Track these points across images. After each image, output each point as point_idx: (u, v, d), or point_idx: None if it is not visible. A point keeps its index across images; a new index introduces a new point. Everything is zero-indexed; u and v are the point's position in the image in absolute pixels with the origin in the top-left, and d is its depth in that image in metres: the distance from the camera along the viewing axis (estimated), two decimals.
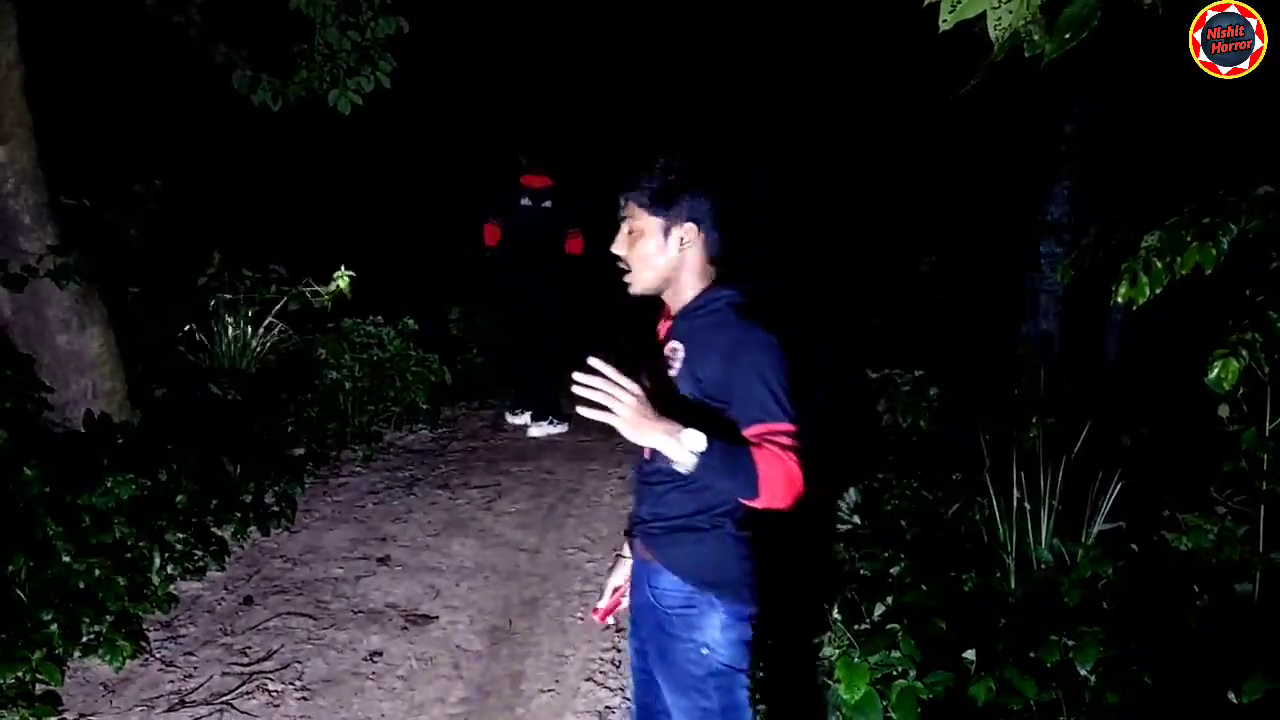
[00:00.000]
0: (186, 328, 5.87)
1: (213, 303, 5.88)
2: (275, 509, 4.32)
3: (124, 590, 3.41)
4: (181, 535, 3.83)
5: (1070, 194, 6.77)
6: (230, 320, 5.94)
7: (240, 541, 4.09)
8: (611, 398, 1.51)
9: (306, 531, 4.26)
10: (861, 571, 3.64)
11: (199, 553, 3.82)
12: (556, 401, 5.71)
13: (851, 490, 4.03)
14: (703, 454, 1.54)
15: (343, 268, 6.00)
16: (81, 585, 3.35)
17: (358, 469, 5.03)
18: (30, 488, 3.68)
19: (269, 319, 6.11)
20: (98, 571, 3.39)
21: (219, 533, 4.07)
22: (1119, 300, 2.79)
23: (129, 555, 3.61)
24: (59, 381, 4.50)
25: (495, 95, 9.34)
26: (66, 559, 3.41)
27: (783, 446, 1.60)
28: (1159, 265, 2.75)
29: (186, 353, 5.84)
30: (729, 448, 1.58)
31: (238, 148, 7.09)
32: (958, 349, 7.27)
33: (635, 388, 1.53)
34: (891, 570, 3.59)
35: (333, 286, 6.01)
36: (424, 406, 5.76)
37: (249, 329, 6.03)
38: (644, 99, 9.38)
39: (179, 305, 5.87)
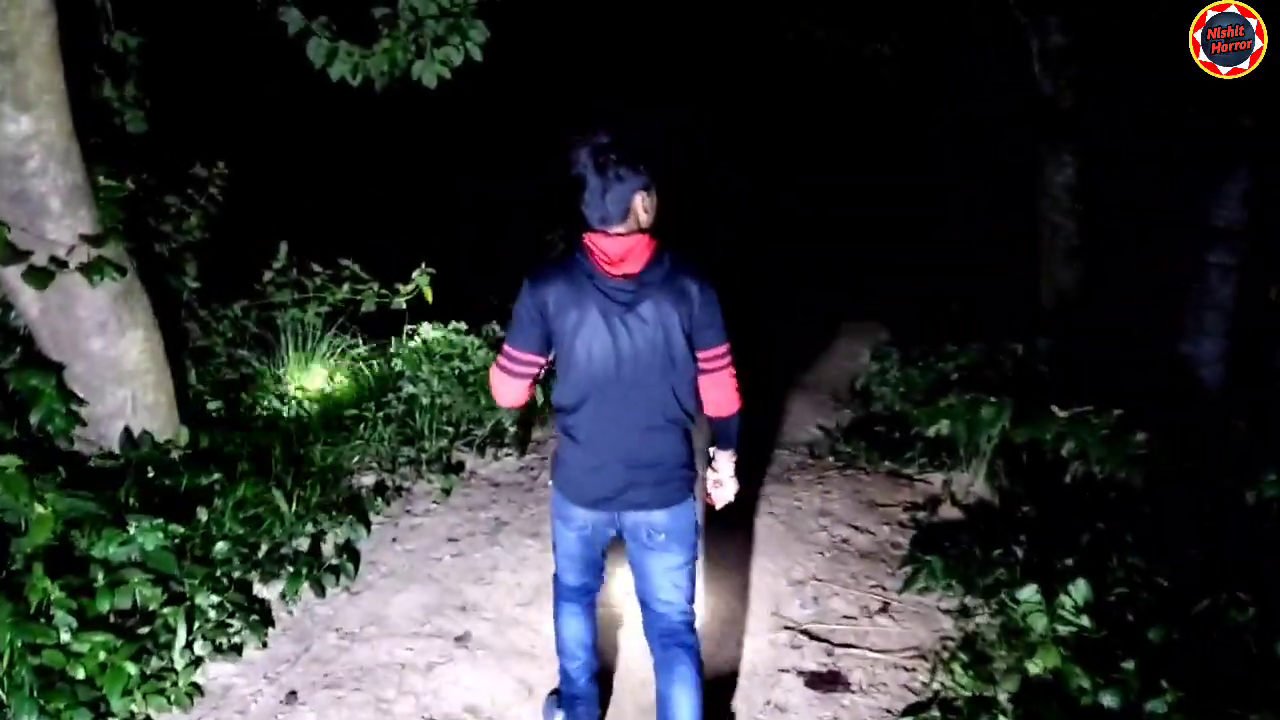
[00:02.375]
0: (249, 331, 5.18)
1: (278, 302, 5.18)
2: (334, 562, 3.55)
3: (136, 682, 2.65)
4: (217, 599, 3.07)
5: (1245, 195, 5.79)
6: (298, 322, 5.23)
7: (289, 605, 3.31)
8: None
9: (370, 593, 3.46)
10: (1105, 704, 2.65)
11: (236, 623, 3.05)
12: None
13: (1081, 583, 3.02)
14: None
15: (423, 265, 5.22)
16: (81, 674, 2.61)
17: (434, 505, 4.23)
18: (36, 532, 2.96)
19: (341, 320, 5.40)
20: (103, 655, 2.64)
21: (264, 592, 3.31)
22: None
23: (147, 628, 2.86)
24: (94, 393, 3.81)
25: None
26: (66, 636, 2.67)
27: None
28: None
29: (248, 359, 5.15)
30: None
31: (308, 130, 6.40)
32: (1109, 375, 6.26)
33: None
34: (1150, 707, 2.59)
35: (412, 286, 5.23)
36: (511, 428, 4.94)
37: (318, 332, 5.32)
38: None
39: (241, 305, 5.17)
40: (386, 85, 4.83)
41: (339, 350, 5.49)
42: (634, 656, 3.04)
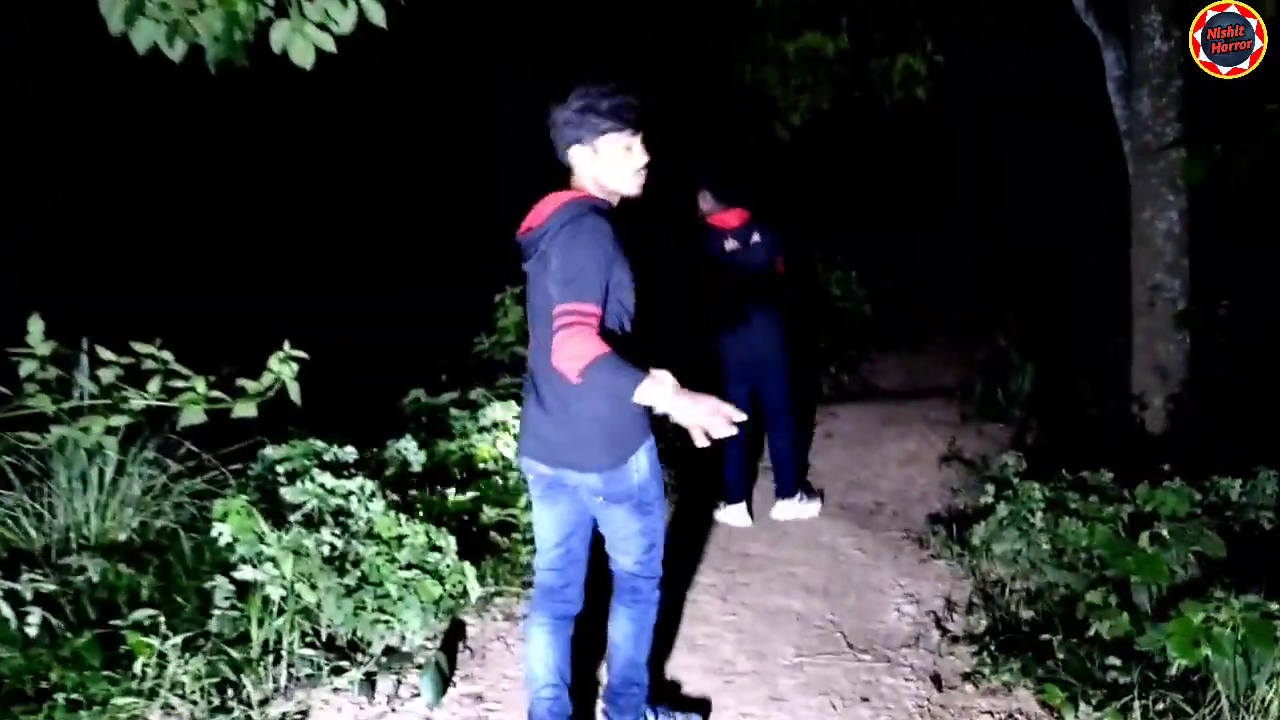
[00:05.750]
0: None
1: (34, 413, 3.08)
2: None
3: None
4: None
5: None
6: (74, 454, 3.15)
7: None
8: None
9: None
10: None
11: None
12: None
13: None
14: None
15: (286, 346, 3.18)
16: None
17: None
18: None
19: (146, 446, 3.34)
20: None
21: None
22: None
23: None
24: None
25: None
26: None
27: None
28: None
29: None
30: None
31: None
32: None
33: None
34: None
35: (265, 380, 3.18)
36: (424, 644, 2.89)
37: (107, 467, 3.25)
38: None
39: None
40: (227, 62, 3.03)
41: (153, 490, 3.42)
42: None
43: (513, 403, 4.49)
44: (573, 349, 1.95)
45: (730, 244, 4.16)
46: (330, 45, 2.99)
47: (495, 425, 4.37)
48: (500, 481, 4.12)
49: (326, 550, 2.67)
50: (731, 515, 4.27)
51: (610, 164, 2.13)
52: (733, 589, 3.58)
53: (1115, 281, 5.72)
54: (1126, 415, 5.43)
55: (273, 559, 2.69)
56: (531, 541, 3.59)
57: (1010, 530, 3.37)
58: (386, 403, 4.89)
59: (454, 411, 4.52)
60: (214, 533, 2.70)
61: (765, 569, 3.80)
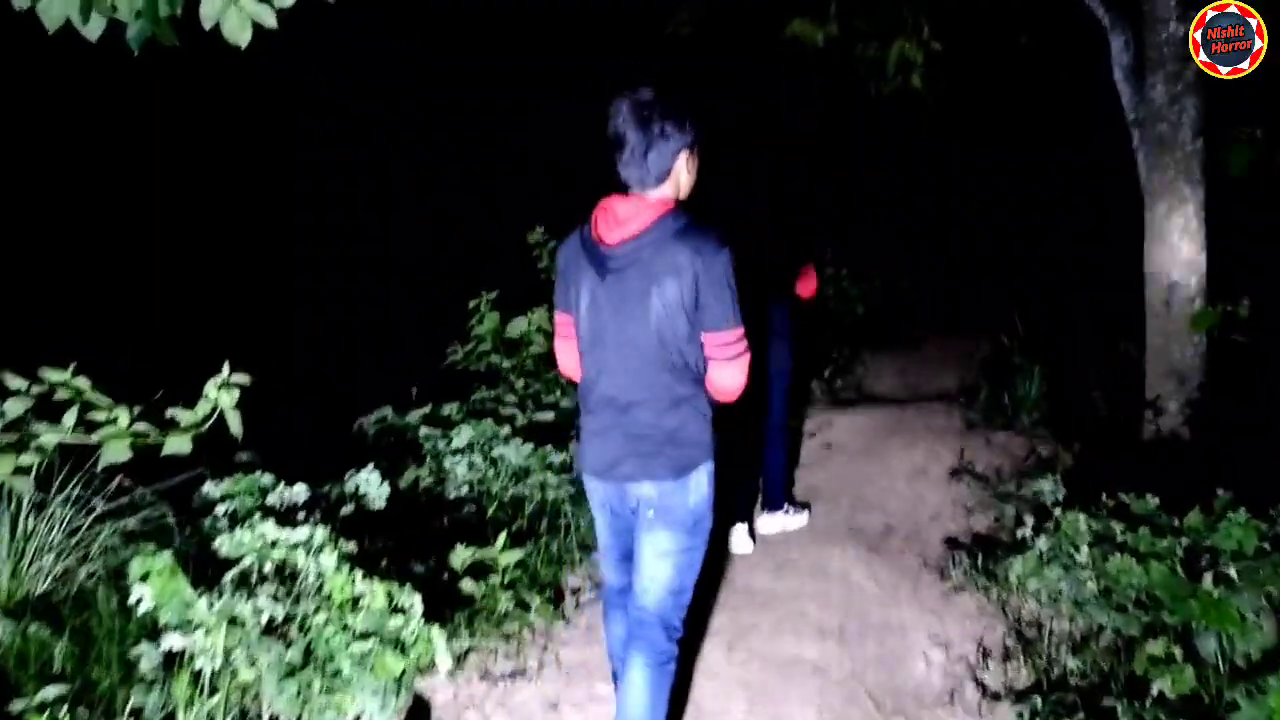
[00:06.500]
0: None
1: None
2: None
3: None
4: None
5: None
6: None
7: None
8: None
9: None
10: None
11: None
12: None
13: None
14: None
15: (225, 369, 2.74)
16: None
17: None
18: None
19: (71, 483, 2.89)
20: None
21: None
22: None
23: None
24: None
25: None
26: None
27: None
28: None
29: None
30: None
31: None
32: None
33: None
34: None
35: (201, 410, 2.74)
36: None
37: (21, 511, 2.80)
38: None
39: None
40: (148, 41, 2.65)
41: (78, 533, 2.98)
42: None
43: (489, 421, 4.07)
44: (742, 382, 2.10)
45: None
46: (271, 20, 2.60)
47: (470, 446, 3.96)
48: (473, 509, 3.71)
49: (266, 618, 2.24)
50: (735, 541, 3.91)
51: (692, 172, 2.15)
52: (740, 634, 3.19)
53: (1127, 279, 5.41)
54: (1140, 422, 5.12)
55: (201, 625, 2.26)
56: (512, 585, 3.19)
57: (1054, 568, 3.00)
58: (350, 419, 4.47)
59: (424, 431, 4.10)
60: (132, 597, 2.26)
61: (773, 606, 3.42)
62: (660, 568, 2.19)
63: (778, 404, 4.01)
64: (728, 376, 2.09)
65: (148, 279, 6.09)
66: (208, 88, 5.20)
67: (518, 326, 4.84)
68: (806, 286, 4.04)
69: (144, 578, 2.25)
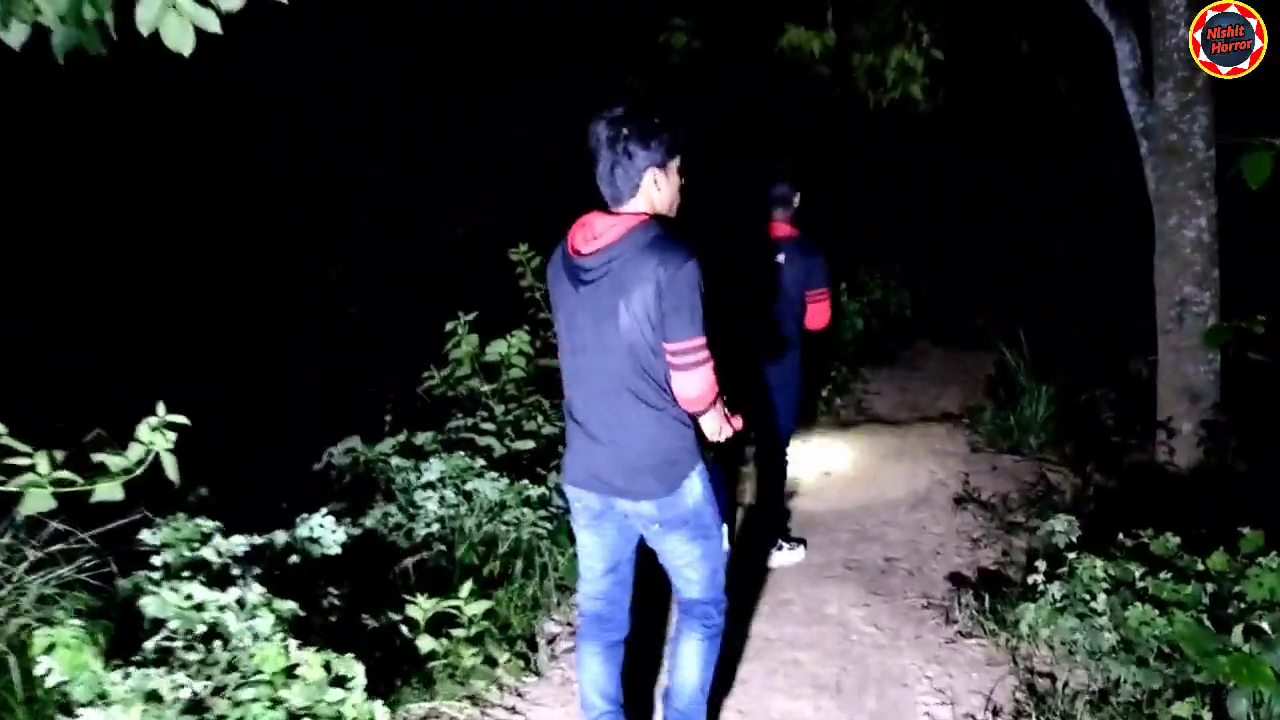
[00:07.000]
0: None
1: None
2: None
3: None
4: None
5: None
6: None
7: None
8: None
9: None
10: None
11: None
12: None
13: None
14: None
15: (160, 409, 2.49)
16: None
17: None
18: None
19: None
20: None
21: None
22: None
23: None
24: None
25: None
26: None
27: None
28: None
29: None
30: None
31: None
32: None
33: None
34: None
35: (134, 454, 2.49)
36: None
37: None
38: None
39: None
40: (74, 49, 2.44)
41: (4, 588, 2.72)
42: None
43: (461, 453, 3.83)
44: (704, 390, 2.08)
45: (779, 257, 3.77)
46: (214, 25, 2.37)
47: (442, 480, 3.71)
48: (443, 549, 3.46)
49: (187, 694, 1.99)
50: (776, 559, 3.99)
51: (674, 187, 2.15)
52: (727, 689, 2.94)
53: (1135, 293, 5.17)
54: (1153, 444, 4.87)
55: (121, 703, 2.01)
56: (479, 639, 2.94)
57: (1069, 617, 2.75)
58: (321, 446, 4.22)
59: (396, 462, 3.85)
60: (39, 669, 2.02)
61: (765, 655, 3.16)
62: (686, 567, 2.30)
63: (777, 461, 3.94)
64: (689, 385, 2.07)
65: (122, 285, 5.89)
66: (179, 91, 4.97)
67: (497, 349, 4.59)
68: (817, 318, 3.74)
69: (49, 649, 2.01)
